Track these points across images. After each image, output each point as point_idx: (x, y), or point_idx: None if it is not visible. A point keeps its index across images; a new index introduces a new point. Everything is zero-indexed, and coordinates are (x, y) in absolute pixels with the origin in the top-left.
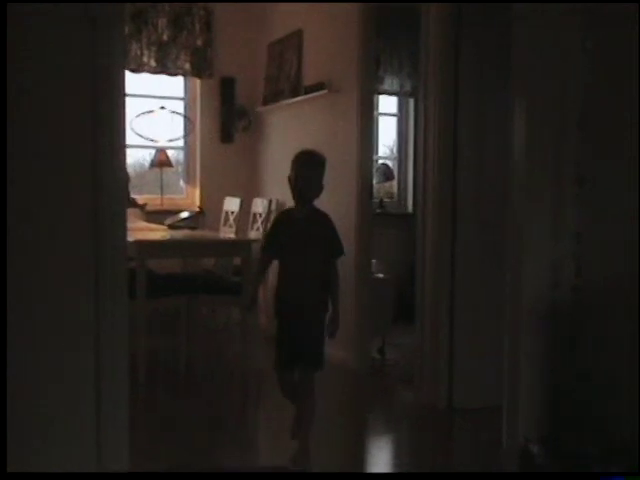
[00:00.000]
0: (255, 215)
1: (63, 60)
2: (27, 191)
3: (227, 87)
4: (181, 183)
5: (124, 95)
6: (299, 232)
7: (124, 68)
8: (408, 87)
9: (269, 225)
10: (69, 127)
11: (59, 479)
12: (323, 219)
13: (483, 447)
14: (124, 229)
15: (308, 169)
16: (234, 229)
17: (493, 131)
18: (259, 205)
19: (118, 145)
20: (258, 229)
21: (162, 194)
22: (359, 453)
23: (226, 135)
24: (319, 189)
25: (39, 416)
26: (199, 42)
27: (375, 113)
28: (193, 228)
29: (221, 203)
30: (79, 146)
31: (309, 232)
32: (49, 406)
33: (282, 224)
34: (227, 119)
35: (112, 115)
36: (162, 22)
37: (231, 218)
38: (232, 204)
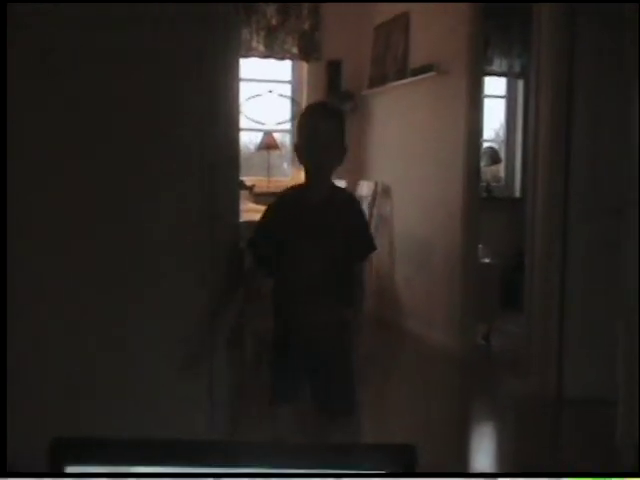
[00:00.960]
0: (361, 198)
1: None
2: (141, 173)
3: (333, 70)
4: (286, 165)
5: (239, 80)
6: (310, 225)
7: (238, 53)
8: (517, 68)
9: (265, 210)
10: (185, 111)
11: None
12: (347, 202)
13: (595, 443)
14: (237, 210)
15: (320, 121)
16: None
17: (610, 114)
18: (365, 188)
19: (233, 127)
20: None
21: (269, 176)
22: (461, 441)
23: None
24: (340, 152)
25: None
26: (306, 26)
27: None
28: None
29: None
30: (195, 129)
31: (325, 223)
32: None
33: (283, 211)
34: (333, 101)
35: (227, 99)
36: (271, 8)
37: None
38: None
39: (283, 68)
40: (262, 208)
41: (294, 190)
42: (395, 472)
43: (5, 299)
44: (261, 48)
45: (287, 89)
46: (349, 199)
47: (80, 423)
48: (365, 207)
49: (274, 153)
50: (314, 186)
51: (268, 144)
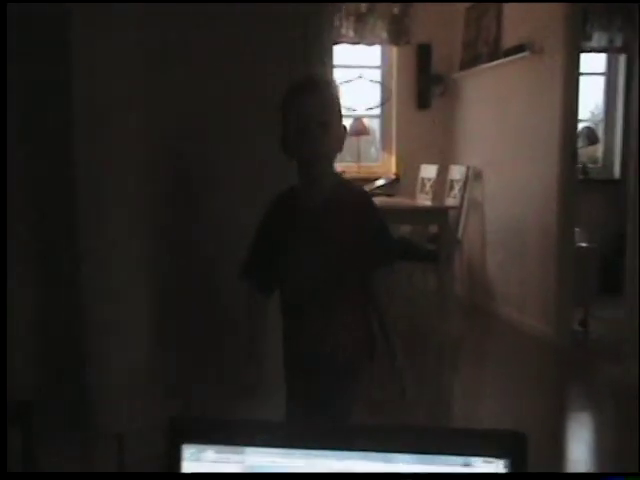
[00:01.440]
0: (452, 182)
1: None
2: (236, 165)
3: (423, 54)
4: (374, 150)
5: (332, 67)
6: (312, 232)
7: (332, 40)
8: (619, 42)
9: (257, 229)
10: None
11: (61, 479)
12: (357, 200)
13: None
14: None
15: (308, 100)
16: (430, 196)
17: None
18: (456, 172)
19: None
20: (455, 197)
21: (359, 162)
22: (556, 430)
23: (422, 102)
24: (337, 136)
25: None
26: (396, 10)
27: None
28: (389, 195)
29: (417, 170)
30: None
31: (331, 228)
32: None
33: (277, 224)
34: (423, 85)
35: None
36: None
37: (427, 185)
38: (428, 171)
39: (372, 53)
40: None
41: (288, 193)
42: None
43: (5, 298)
44: (351, 34)
45: (377, 74)
46: (359, 196)
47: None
48: (457, 191)
49: (364, 138)
50: (312, 184)
51: (358, 129)
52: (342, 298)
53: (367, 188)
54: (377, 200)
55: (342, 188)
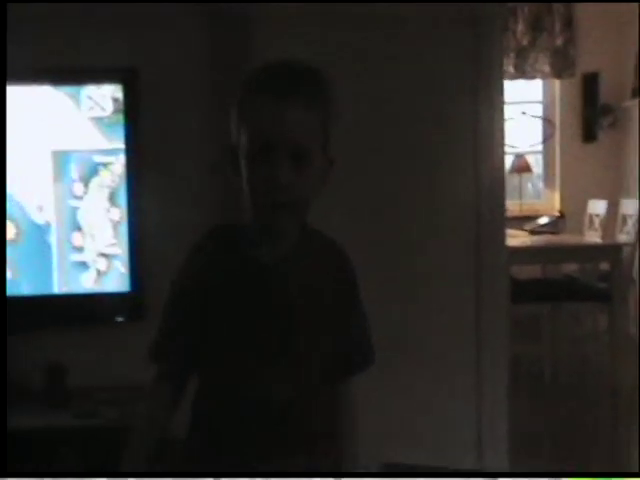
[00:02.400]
0: (625, 217)
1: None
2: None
3: (590, 83)
4: (538, 188)
5: (503, 103)
6: (261, 301)
7: (502, 69)
8: None
9: (184, 269)
10: (444, 129)
11: (59, 477)
12: (329, 260)
13: None
14: (504, 234)
15: (281, 104)
16: (599, 233)
17: None
18: (629, 207)
19: (498, 149)
20: (628, 232)
21: (521, 200)
22: None
23: (588, 134)
24: (319, 172)
25: (415, 410)
26: (559, 41)
27: None
28: (554, 233)
29: (583, 206)
30: (460, 145)
31: (292, 305)
32: (428, 401)
33: (211, 271)
34: (590, 117)
35: (492, 121)
36: (521, 26)
37: (596, 221)
38: (597, 207)
39: (533, 87)
40: (515, 232)
41: (228, 232)
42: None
43: (4, 301)
44: (511, 70)
45: (538, 109)
46: (331, 255)
47: None
48: (630, 227)
49: (526, 176)
50: (268, 230)
51: (520, 167)
52: (301, 411)
53: (530, 226)
54: (541, 238)
55: (309, 239)
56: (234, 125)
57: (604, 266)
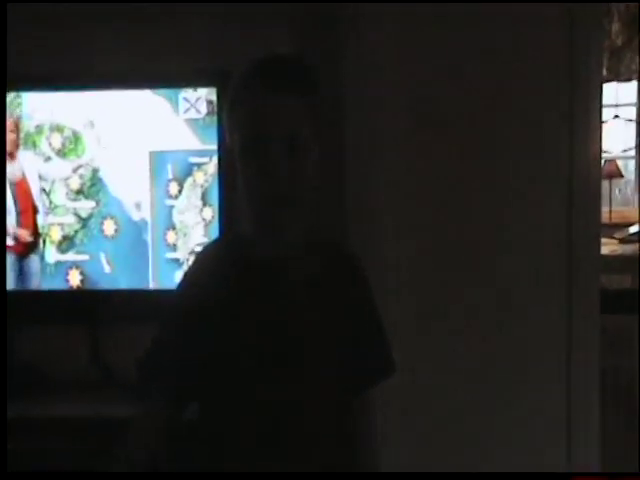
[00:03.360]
0: None
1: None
2: (496, 199)
3: None
4: (631, 194)
5: (601, 106)
6: (261, 311)
7: (601, 75)
8: None
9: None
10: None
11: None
12: (337, 267)
13: None
14: (598, 242)
15: (270, 100)
16: None
17: None
18: None
19: (593, 155)
20: None
21: (610, 207)
22: None
23: None
24: (315, 164)
25: (506, 417)
26: None
27: None
28: None
29: None
30: (555, 149)
31: (300, 319)
32: (517, 407)
33: (215, 275)
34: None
35: (588, 124)
36: (615, 26)
37: None
38: None
39: (628, 90)
40: (605, 241)
41: (230, 240)
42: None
43: (5, 301)
44: (604, 72)
45: (632, 112)
46: (344, 266)
47: None
48: None
49: (617, 181)
50: (266, 236)
51: (610, 172)
52: (314, 431)
53: (621, 234)
54: (632, 248)
55: (312, 245)
56: (227, 127)
57: None
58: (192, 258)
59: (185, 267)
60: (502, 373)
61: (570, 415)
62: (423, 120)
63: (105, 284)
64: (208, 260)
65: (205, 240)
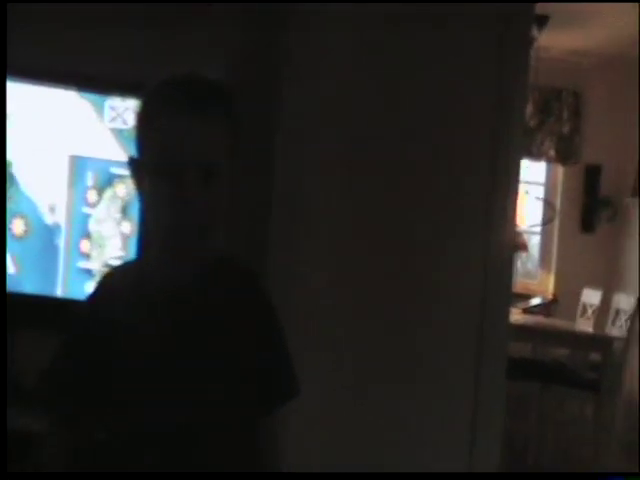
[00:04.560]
0: (618, 311)
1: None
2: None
3: (592, 175)
4: (533, 268)
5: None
6: (165, 336)
7: (521, 147)
8: None
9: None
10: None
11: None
12: (240, 290)
13: None
14: (508, 312)
15: (183, 123)
16: (592, 322)
17: None
18: (623, 301)
19: (509, 226)
20: (621, 327)
21: (515, 278)
22: None
23: (587, 225)
24: (226, 189)
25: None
26: (566, 129)
27: None
28: (546, 315)
29: (576, 292)
30: (472, 219)
31: (197, 333)
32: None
33: (112, 303)
34: (590, 208)
35: (506, 198)
36: (529, 109)
37: (589, 311)
38: (591, 296)
39: (537, 169)
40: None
41: (129, 267)
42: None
43: (5, 301)
44: None
45: (540, 190)
46: (244, 282)
47: None
48: (622, 323)
49: (522, 254)
50: (170, 267)
51: (517, 246)
52: (217, 447)
53: (523, 305)
54: (533, 319)
55: (217, 269)
56: (138, 142)
57: (594, 356)
58: (103, 273)
59: (95, 281)
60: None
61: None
62: (356, 164)
63: (8, 285)
64: (115, 283)
65: (121, 254)
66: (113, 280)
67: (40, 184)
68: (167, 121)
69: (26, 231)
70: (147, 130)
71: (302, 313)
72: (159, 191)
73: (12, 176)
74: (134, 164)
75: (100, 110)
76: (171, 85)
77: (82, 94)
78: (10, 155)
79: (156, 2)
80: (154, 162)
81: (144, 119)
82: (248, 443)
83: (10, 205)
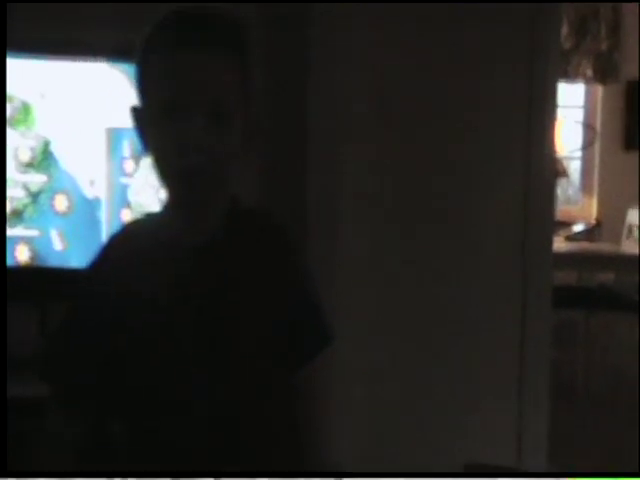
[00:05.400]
0: (630, 227)
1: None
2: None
3: (633, 91)
4: (575, 193)
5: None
6: (189, 296)
7: (555, 71)
8: None
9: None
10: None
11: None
12: (267, 240)
13: None
14: (551, 238)
15: (188, 53)
16: (638, 243)
17: None
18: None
19: (548, 154)
20: None
21: (556, 205)
22: None
23: (629, 143)
24: (240, 131)
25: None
26: (604, 47)
27: None
28: (590, 241)
29: (621, 215)
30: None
31: (224, 292)
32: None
33: (130, 262)
34: (632, 125)
35: (543, 123)
36: (564, 30)
37: (635, 232)
38: (636, 216)
39: (576, 92)
40: None
41: (147, 222)
42: None
43: (5, 300)
44: None
45: (579, 114)
46: (268, 230)
47: None
48: (637, 237)
49: (562, 180)
50: (187, 205)
51: (557, 172)
52: (252, 412)
53: (566, 232)
54: (576, 245)
55: (241, 219)
56: (137, 85)
57: None
58: (112, 234)
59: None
60: (457, 362)
61: (522, 403)
62: (386, 117)
63: (55, 261)
64: (118, 241)
65: None
66: (125, 240)
67: (79, 159)
68: (168, 57)
69: (69, 207)
70: (146, 69)
71: (340, 273)
72: (162, 138)
73: (51, 154)
74: (137, 114)
75: (131, 77)
76: (172, 16)
77: (112, 64)
78: (48, 133)
79: None
80: (155, 106)
81: (142, 57)
82: (284, 400)
83: (51, 183)
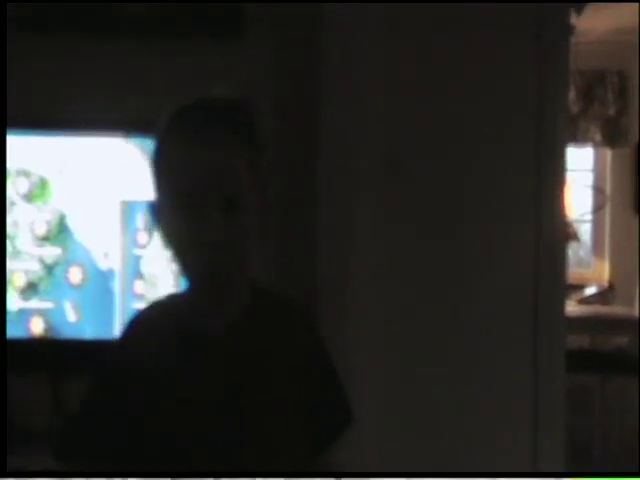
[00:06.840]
0: None
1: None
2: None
3: None
4: (587, 256)
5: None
6: (214, 384)
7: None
8: None
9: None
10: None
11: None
12: (287, 323)
13: None
14: (563, 303)
15: (197, 147)
16: None
17: None
18: None
19: (559, 218)
20: None
21: (568, 268)
22: None
23: None
24: (254, 219)
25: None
26: (611, 111)
27: None
28: (603, 304)
29: (633, 277)
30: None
31: (249, 378)
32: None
33: (149, 352)
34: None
35: (553, 188)
36: (572, 95)
37: None
38: None
39: (584, 155)
40: None
41: (164, 308)
42: None
43: (4, 299)
44: None
45: (589, 177)
46: (289, 313)
47: None
48: None
49: (573, 244)
50: (209, 295)
51: (567, 235)
52: None
53: (578, 296)
54: (589, 309)
55: (260, 303)
56: (153, 179)
57: None
58: (135, 314)
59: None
60: (472, 427)
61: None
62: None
63: (69, 333)
64: (148, 328)
65: (174, 291)
66: (148, 322)
67: (93, 232)
68: (179, 151)
69: (83, 279)
70: (159, 165)
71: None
72: (179, 230)
73: (66, 227)
74: (154, 209)
75: (145, 151)
76: (180, 112)
77: (128, 139)
78: (64, 207)
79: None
80: (169, 200)
81: (155, 151)
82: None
83: (67, 255)
